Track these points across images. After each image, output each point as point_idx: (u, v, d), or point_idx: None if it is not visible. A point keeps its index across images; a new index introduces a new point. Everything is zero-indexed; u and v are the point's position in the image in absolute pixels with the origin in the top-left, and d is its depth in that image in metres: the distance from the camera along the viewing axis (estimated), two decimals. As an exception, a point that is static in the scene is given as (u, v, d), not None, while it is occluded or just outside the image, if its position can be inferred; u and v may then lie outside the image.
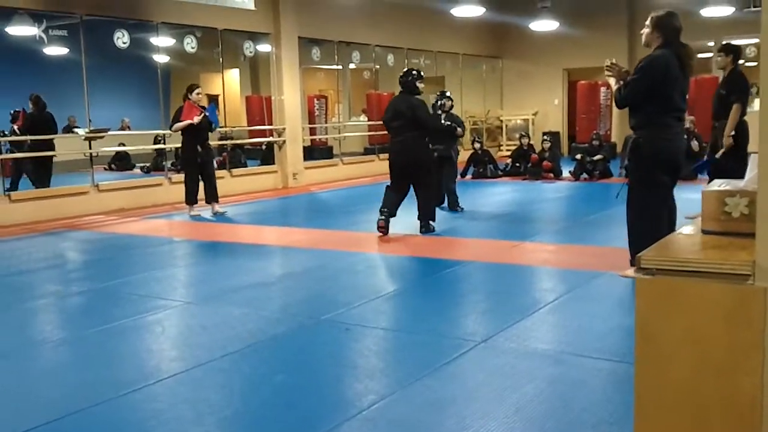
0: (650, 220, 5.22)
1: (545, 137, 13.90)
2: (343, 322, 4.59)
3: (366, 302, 5.07)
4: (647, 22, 5.29)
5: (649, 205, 5.27)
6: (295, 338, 4.37)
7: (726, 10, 15.11)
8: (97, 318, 4.90)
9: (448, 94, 9.76)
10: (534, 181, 13.00)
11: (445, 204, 9.47)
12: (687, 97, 5.37)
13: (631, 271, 5.34)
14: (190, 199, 9.67)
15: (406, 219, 9.07)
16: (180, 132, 9.51)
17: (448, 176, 9.40)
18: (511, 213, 9.58)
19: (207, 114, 9.49)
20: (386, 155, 16.17)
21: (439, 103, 9.69)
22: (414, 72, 7.78)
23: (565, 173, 13.40)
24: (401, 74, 7.84)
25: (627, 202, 5.38)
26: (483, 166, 13.86)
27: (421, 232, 7.72)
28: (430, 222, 7.85)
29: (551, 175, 13.35)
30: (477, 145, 14.24)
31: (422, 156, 7.70)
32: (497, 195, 11.44)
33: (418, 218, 7.86)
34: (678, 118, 5.29)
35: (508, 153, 16.03)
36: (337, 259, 6.61)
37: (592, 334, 4.25)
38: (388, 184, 7.82)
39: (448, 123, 9.46)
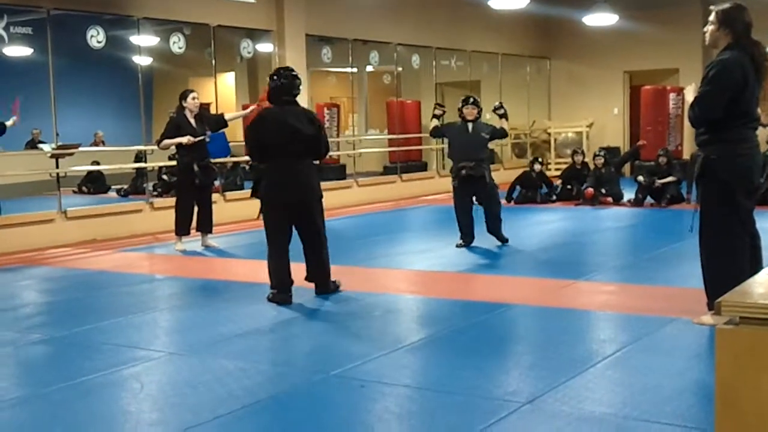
0: (730, 255, 5.19)
1: (599, 153, 13.87)
2: (358, 379, 4.57)
3: (385, 354, 5.04)
4: (711, 18, 5.32)
5: (728, 237, 5.23)
6: (299, 398, 4.35)
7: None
8: (62, 372, 4.90)
9: (471, 100, 9.48)
10: (589, 207, 12.96)
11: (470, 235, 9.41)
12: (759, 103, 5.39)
13: (708, 318, 5.30)
14: (181, 229, 9.62)
15: (434, 251, 9.06)
16: (174, 147, 9.51)
17: (488, 201, 9.22)
18: (561, 245, 9.54)
19: (207, 140, 9.38)
20: (410, 175, 16.50)
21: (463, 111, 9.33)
22: (294, 71, 6.78)
23: (627, 197, 13.34)
24: (279, 76, 6.67)
25: (699, 234, 5.35)
26: (533, 190, 13.83)
27: (317, 293, 6.75)
28: (333, 281, 6.86)
29: (610, 199, 13.31)
30: (537, 167, 14.20)
31: (318, 191, 6.71)
32: (545, 223, 11.41)
33: (308, 278, 6.79)
34: (754, 128, 5.32)
35: (558, 173, 16.01)
36: (350, 301, 6.60)
37: (661, 394, 4.19)
38: (270, 235, 6.64)
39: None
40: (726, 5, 5.31)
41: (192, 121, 9.40)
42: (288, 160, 6.48)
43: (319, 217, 6.70)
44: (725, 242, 5.24)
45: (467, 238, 9.25)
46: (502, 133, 9.58)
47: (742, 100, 5.10)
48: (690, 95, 5.33)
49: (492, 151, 9.64)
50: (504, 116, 9.64)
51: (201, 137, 9.33)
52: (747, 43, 5.20)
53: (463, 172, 9.10)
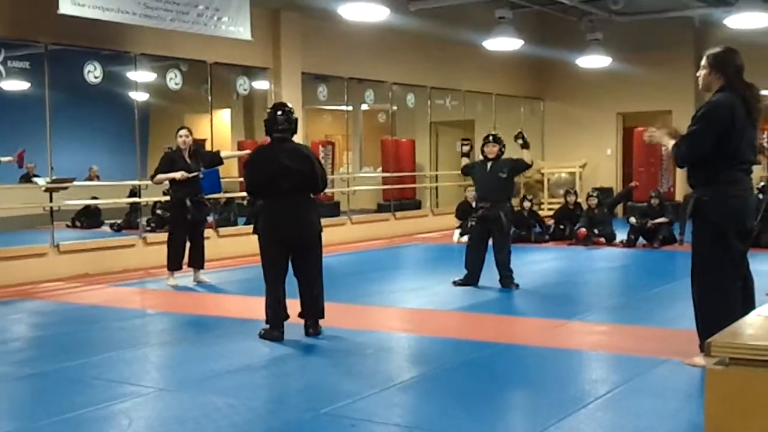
0: (722, 297, 5.21)
1: (592, 193, 13.92)
2: (349, 417, 4.54)
3: (377, 392, 5.02)
4: (703, 62, 5.41)
5: (720, 278, 5.25)
6: (289, 435, 4.33)
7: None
8: (52, 407, 4.87)
9: (492, 138, 9.33)
10: (582, 247, 12.98)
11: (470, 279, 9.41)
12: (756, 146, 5.42)
13: (700, 359, 5.29)
14: (173, 264, 9.60)
15: (427, 288, 9.05)
16: (168, 182, 9.52)
17: (499, 245, 9.06)
18: (554, 285, 9.54)
19: (201, 176, 9.38)
20: (404, 213, 16.52)
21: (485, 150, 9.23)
22: (283, 107, 6.76)
23: (620, 238, 13.36)
24: (276, 112, 6.68)
25: (691, 275, 5.37)
26: (527, 229, 13.86)
27: (307, 334, 6.63)
28: (319, 323, 6.72)
29: (602, 240, 13.34)
30: (527, 204, 14.27)
31: (317, 226, 6.70)
32: (538, 263, 11.41)
33: (301, 315, 6.69)
34: (747, 171, 5.34)
35: (551, 213, 16.06)
36: (341, 339, 6.58)
37: (652, 436, 4.18)
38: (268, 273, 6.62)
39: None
40: (717, 49, 5.38)
41: (186, 157, 9.42)
42: (283, 197, 6.48)
43: (317, 254, 6.67)
44: (717, 284, 5.26)
45: (470, 279, 9.09)
46: (522, 165, 9.25)
47: (731, 140, 5.14)
48: (665, 139, 5.38)
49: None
50: (524, 146, 9.33)
51: (194, 173, 9.35)
52: (739, 85, 5.27)
53: (479, 212, 9.08)
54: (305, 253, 6.62)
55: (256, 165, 6.65)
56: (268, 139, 6.81)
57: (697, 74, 5.49)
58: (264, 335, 6.53)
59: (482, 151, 9.30)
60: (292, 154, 6.54)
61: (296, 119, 6.74)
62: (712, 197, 5.21)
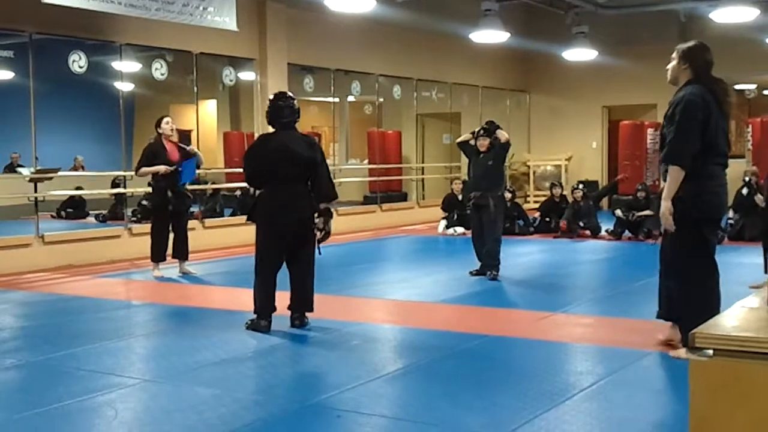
0: (702, 290, 5.27)
1: (577, 186, 13.97)
2: (335, 408, 4.55)
3: (362, 383, 5.03)
4: (673, 55, 5.42)
5: (699, 272, 5.31)
6: (275, 427, 4.33)
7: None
8: (35, 398, 4.85)
9: (482, 132, 9.27)
10: (567, 240, 13.02)
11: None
12: (729, 139, 5.42)
13: (683, 352, 5.32)
14: (156, 255, 9.59)
15: (412, 280, 9.07)
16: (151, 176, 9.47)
17: (488, 233, 9.06)
18: (539, 278, 9.57)
19: (180, 169, 9.36)
20: (390, 205, 16.52)
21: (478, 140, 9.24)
22: (282, 97, 6.70)
23: (604, 230, 13.41)
24: (278, 100, 6.66)
25: (667, 270, 5.40)
26: (510, 221, 13.89)
27: (293, 325, 6.64)
28: (306, 315, 6.73)
29: (587, 232, 13.38)
30: (508, 195, 14.31)
31: (312, 215, 6.60)
32: (523, 256, 11.44)
33: (290, 307, 6.69)
34: (723, 165, 5.36)
35: (537, 205, 16.10)
36: (328, 330, 6.58)
37: (637, 427, 4.20)
38: (261, 264, 6.58)
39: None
40: (690, 43, 5.42)
41: (168, 147, 9.39)
42: (286, 184, 6.48)
43: (311, 245, 6.62)
44: (697, 278, 5.31)
45: (484, 268, 9.15)
46: (501, 147, 9.26)
47: (707, 132, 5.15)
48: (666, 209, 5.22)
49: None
50: (492, 130, 9.30)
51: (174, 166, 9.32)
52: (707, 79, 5.29)
53: (472, 201, 9.18)
54: (302, 243, 6.57)
55: (261, 152, 6.63)
56: (256, 131, 6.80)
57: (666, 67, 5.50)
58: (251, 326, 6.53)
59: (475, 144, 9.32)
60: (300, 142, 6.57)
61: (299, 109, 6.71)
62: (688, 193, 5.19)
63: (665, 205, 5.18)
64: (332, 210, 6.78)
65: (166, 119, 9.50)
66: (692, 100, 5.17)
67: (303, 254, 6.62)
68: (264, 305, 6.54)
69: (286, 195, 6.49)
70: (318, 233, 6.56)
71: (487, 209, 9.04)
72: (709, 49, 5.40)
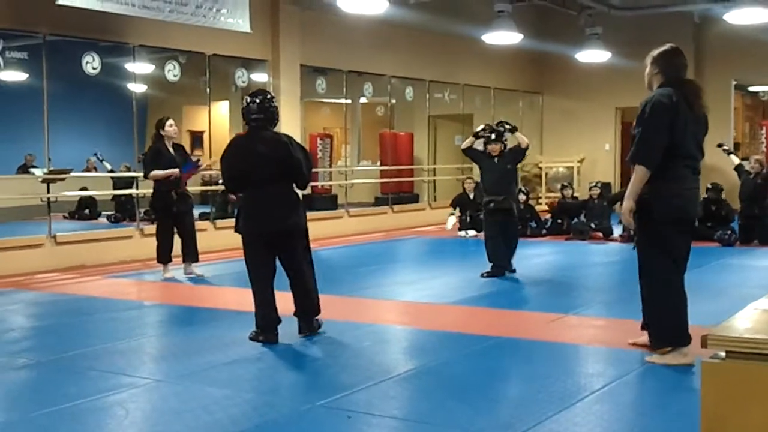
0: (665, 294, 5.29)
1: (595, 184, 13.94)
2: (345, 409, 4.55)
3: (373, 384, 5.02)
4: (647, 60, 5.45)
5: (662, 276, 5.30)
6: (285, 427, 4.33)
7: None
8: (47, 397, 4.87)
9: (494, 137, 9.28)
10: (579, 242, 12.98)
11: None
12: (701, 143, 5.37)
13: (656, 357, 5.34)
14: (163, 257, 9.55)
15: (424, 282, 9.06)
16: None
17: (510, 236, 9.20)
18: (551, 279, 9.54)
19: (183, 172, 9.37)
20: (401, 206, 16.51)
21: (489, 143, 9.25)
22: (256, 95, 6.31)
23: (617, 233, 13.37)
24: (248, 100, 6.27)
25: (639, 271, 5.42)
26: (523, 223, 13.86)
27: (300, 332, 6.32)
28: (316, 319, 6.44)
29: (600, 234, 13.34)
30: (522, 197, 14.28)
31: (300, 219, 6.27)
32: (535, 257, 11.41)
33: (296, 315, 6.38)
34: (693, 168, 5.31)
35: (548, 207, 16.05)
36: (339, 331, 6.57)
37: (649, 429, 4.18)
38: (254, 274, 6.30)
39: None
40: (661, 48, 5.44)
41: (171, 149, 9.38)
42: (260, 188, 6.08)
43: (302, 246, 6.29)
44: (660, 281, 5.31)
45: (497, 270, 9.16)
46: (518, 151, 9.37)
47: (675, 132, 5.10)
48: (627, 206, 5.22)
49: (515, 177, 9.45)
50: (512, 130, 9.43)
51: (185, 170, 9.35)
52: (677, 82, 5.29)
53: (492, 205, 9.11)
54: (289, 249, 6.22)
55: (231, 155, 6.26)
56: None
57: (645, 73, 5.51)
58: (254, 338, 6.19)
59: (484, 149, 9.32)
60: (268, 142, 6.11)
61: (274, 107, 6.25)
62: (654, 194, 5.16)
63: (627, 204, 5.18)
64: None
65: (170, 121, 9.43)
66: (660, 101, 5.17)
67: (294, 259, 6.25)
68: (265, 320, 6.19)
69: (260, 199, 6.08)
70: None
71: (511, 213, 9.13)
72: (681, 53, 5.43)
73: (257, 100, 6.20)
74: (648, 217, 5.22)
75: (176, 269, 9.71)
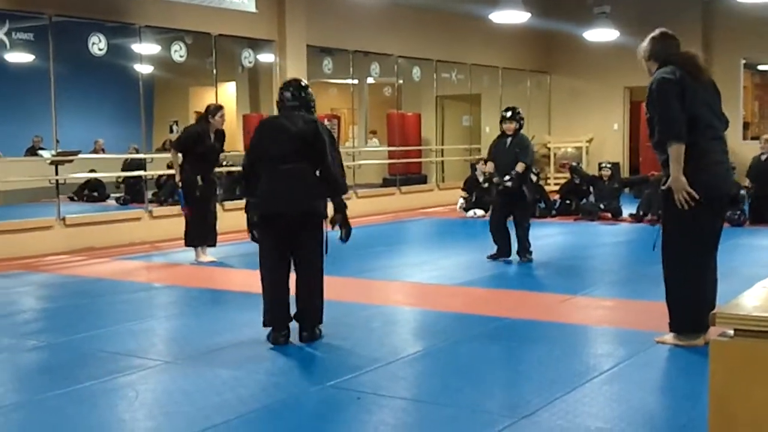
0: (690, 277, 5.20)
1: (606, 165, 13.88)
2: (354, 390, 4.57)
3: (382, 366, 5.05)
4: (639, 54, 5.48)
5: (689, 258, 5.21)
6: (294, 408, 4.36)
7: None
8: (57, 379, 4.90)
9: (510, 114, 9.17)
10: (588, 222, 12.97)
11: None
12: (719, 110, 5.30)
13: (669, 337, 5.30)
14: (196, 240, 9.43)
15: (432, 263, 9.07)
16: (183, 158, 9.33)
17: (521, 219, 9.11)
18: (560, 260, 9.54)
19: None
20: (409, 187, 16.51)
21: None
22: (301, 83, 6.07)
23: (627, 214, 13.35)
24: (282, 90, 5.98)
25: (662, 254, 5.34)
26: (532, 204, 13.85)
27: (301, 339, 5.73)
28: (318, 327, 5.86)
29: (609, 215, 13.33)
30: (534, 177, 14.24)
31: (317, 207, 5.78)
32: (544, 238, 11.39)
33: (295, 318, 5.81)
34: (717, 139, 5.23)
35: (556, 188, 16.03)
36: (347, 313, 6.60)
37: (658, 409, 4.20)
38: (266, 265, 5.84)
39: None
40: (649, 36, 5.44)
41: (212, 136, 9.29)
42: (279, 166, 5.65)
43: (318, 239, 5.79)
44: (688, 265, 5.21)
45: (501, 252, 9.12)
46: (525, 146, 9.22)
47: (687, 105, 5.04)
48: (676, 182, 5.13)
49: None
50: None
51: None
52: (673, 59, 5.24)
53: (501, 186, 9.06)
54: (304, 237, 5.73)
55: (258, 133, 5.93)
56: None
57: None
58: (269, 339, 5.72)
59: (501, 127, 9.25)
60: (296, 119, 5.76)
61: (308, 94, 5.93)
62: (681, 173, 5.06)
63: (681, 182, 5.00)
64: (344, 204, 5.85)
65: (221, 111, 9.32)
66: (663, 77, 5.13)
67: (306, 252, 5.76)
68: (274, 315, 5.73)
69: (280, 176, 5.63)
70: (330, 226, 5.80)
71: (522, 195, 9.02)
72: (671, 35, 5.39)
73: (291, 88, 5.94)
74: (674, 198, 5.09)
75: (186, 252, 9.66)
